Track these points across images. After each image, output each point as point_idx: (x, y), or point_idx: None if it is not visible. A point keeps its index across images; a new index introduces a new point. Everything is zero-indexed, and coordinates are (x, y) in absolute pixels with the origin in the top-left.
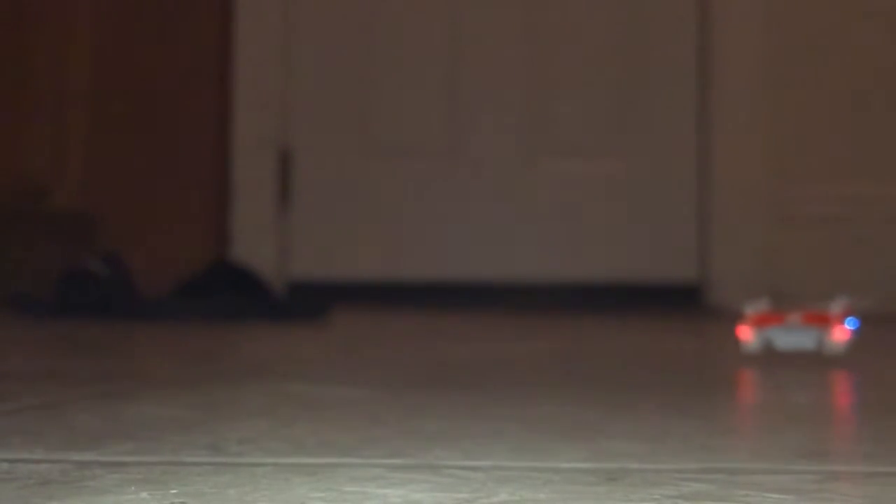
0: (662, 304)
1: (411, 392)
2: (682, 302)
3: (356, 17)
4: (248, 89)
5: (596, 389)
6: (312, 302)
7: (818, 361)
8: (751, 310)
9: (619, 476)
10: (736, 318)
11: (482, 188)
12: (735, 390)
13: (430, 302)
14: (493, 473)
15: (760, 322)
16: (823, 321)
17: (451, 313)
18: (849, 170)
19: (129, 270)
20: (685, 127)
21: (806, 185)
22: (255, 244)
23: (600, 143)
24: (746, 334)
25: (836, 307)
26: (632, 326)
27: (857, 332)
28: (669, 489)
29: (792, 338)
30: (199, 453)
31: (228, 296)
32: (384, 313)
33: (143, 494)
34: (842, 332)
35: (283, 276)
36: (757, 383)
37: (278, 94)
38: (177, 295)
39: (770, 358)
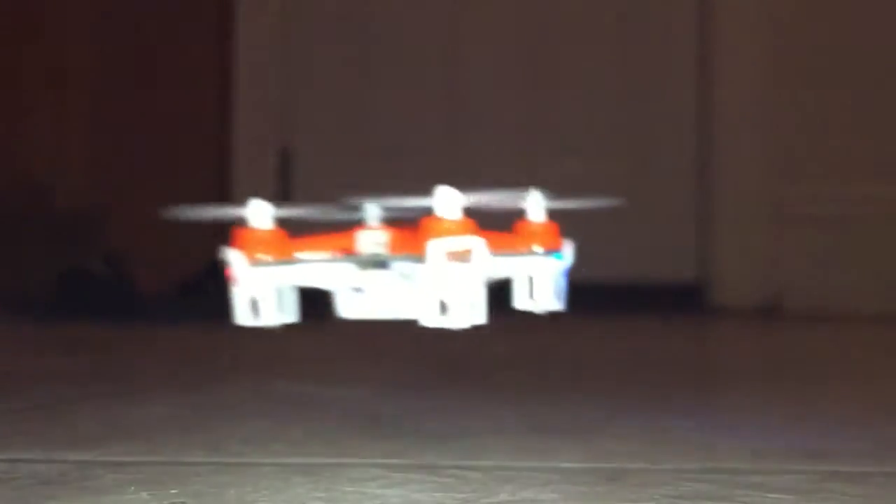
0: (662, 304)
1: (411, 392)
2: (682, 302)
3: (356, 17)
4: (248, 89)
5: (596, 389)
6: (312, 302)
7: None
8: (253, 218)
9: (619, 476)
10: (736, 316)
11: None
12: (734, 389)
13: None
14: (493, 473)
15: (269, 247)
16: (461, 254)
17: None
18: (849, 170)
19: (129, 270)
20: (685, 127)
21: (806, 185)
22: None
23: (600, 143)
24: (241, 276)
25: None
26: (631, 326)
27: (565, 281)
28: (669, 489)
29: (367, 292)
30: (199, 453)
31: (228, 296)
32: None
33: (143, 494)
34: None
35: None
36: (752, 381)
37: (278, 94)
38: (176, 295)
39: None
